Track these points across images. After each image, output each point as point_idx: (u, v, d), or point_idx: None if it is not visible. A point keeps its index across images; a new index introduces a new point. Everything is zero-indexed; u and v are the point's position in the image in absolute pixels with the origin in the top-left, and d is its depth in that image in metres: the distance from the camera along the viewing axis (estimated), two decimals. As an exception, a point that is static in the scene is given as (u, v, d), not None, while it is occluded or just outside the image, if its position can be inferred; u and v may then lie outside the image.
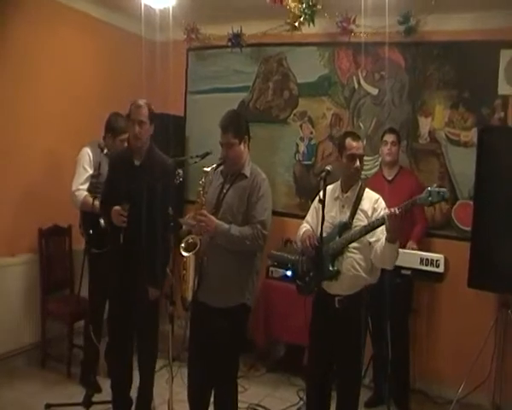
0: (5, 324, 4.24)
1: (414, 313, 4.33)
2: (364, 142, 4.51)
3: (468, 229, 4.06)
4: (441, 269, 3.82)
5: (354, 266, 3.08)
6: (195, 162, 3.48)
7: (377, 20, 4.30)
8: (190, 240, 3.08)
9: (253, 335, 4.47)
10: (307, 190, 5.01)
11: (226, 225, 3.01)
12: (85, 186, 3.99)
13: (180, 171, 3.55)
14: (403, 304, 4.05)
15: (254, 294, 3.26)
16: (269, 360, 4.81)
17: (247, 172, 3.14)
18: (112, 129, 4.01)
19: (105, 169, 3.77)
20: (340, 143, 3.20)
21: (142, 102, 3.36)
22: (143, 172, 3.36)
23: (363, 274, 3.10)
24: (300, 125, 5.11)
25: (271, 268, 4.70)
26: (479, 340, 3.92)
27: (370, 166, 4.64)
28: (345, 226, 3.11)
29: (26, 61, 4.38)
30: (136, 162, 3.40)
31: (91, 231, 3.87)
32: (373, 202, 3.15)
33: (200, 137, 5.29)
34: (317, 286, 3.12)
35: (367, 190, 3.21)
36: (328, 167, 3.02)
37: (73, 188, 3.99)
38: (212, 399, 3.26)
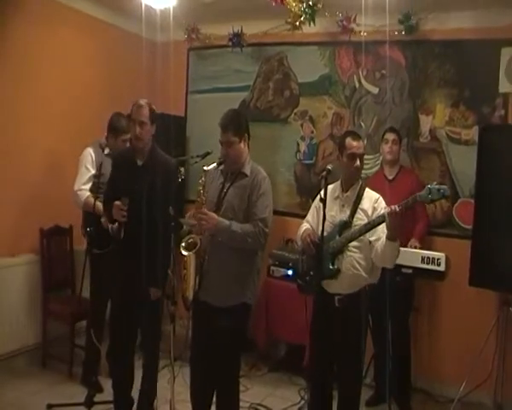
0: (6, 324, 4.26)
1: (415, 311, 4.33)
2: (365, 141, 4.51)
3: (470, 227, 4.05)
4: (442, 268, 3.82)
5: (354, 265, 3.08)
6: (196, 162, 3.48)
7: (378, 18, 4.30)
8: (191, 239, 3.08)
9: (254, 334, 4.48)
10: (308, 189, 5.01)
11: (227, 222, 3.01)
12: (88, 186, 4.00)
13: (182, 169, 3.56)
14: (404, 303, 4.04)
15: (256, 293, 3.26)
16: (270, 360, 4.81)
17: (247, 170, 3.14)
18: (114, 129, 4.01)
19: (106, 169, 3.77)
20: (341, 143, 3.21)
21: (143, 102, 3.35)
22: (146, 172, 3.35)
23: (363, 273, 3.10)
24: (301, 125, 5.11)
25: (273, 267, 4.71)
26: (480, 338, 3.91)
27: (371, 165, 4.64)
28: (345, 225, 3.11)
29: (26, 61, 4.39)
30: (139, 162, 3.40)
31: (89, 229, 3.86)
32: (373, 201, 3.16)
33: (201, 137, 5.29)
34: (318, 285, 3.12)
35: (367, 189, 3.23)
36: (330, 166, 3.02)
37: (76, 188, 4.00)
38: (214, 398, 3.26)
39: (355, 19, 4.52)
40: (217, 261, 3.08)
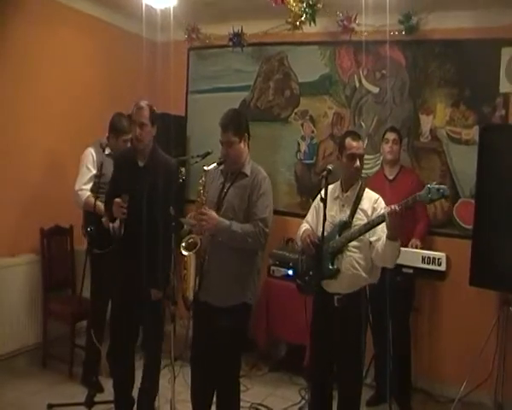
0: (7, 324, 4.26)
1: (416, 311, 4.33)
2: (366, 140, 4.55)
3: (470, 227, 4.04)
4: (443, 267, 3.83)
5: (353, 265, 3.08)
6: (196, 162, 3.48)
7: (378, 18, 4.30)
8: (191, 239, 3.09)
9: (254, 334, 4.48)
10: (308, 189, 5.01)
11: (227, 222, 3.01)
12: (88, 186, 4.01)
13: (183, 170, 3.56)
14: (404, 303, 4.04)
15: (256, 293, 3.26)
16: (271, 360, 4.81)
17: (247, 170, 3.13)
18: (115, 129, 4.01)
19: (107, 169, 3.77)
20: (341, 143, 3.22)
21: (143, 103, 3.35)
22: (147, 173, 3.36)
23: (363, 273, 3.10)
24: (302, 124, 5.11)
25: (273, 267, 4.71)
26: (481, 338, 3.91)
27: (371, 165, 4.64)
28: (345, 225, 3.11)
29: (26, 61, 4.39)
30: (140, 163, 3.40)
31: (89, 229, 3.85)
32: (373, 201, 3.17)
33: (202, 137, 5.29)
34: (317, 285, 3.12)
35: (367, 189, 3.23)
36: (330, 166, 3.02)
37: (76, 187, 4.01)
38: (214, 398, 3.26)
39: (355, 19, 4.51)
40: (217, 261, 3.07)
